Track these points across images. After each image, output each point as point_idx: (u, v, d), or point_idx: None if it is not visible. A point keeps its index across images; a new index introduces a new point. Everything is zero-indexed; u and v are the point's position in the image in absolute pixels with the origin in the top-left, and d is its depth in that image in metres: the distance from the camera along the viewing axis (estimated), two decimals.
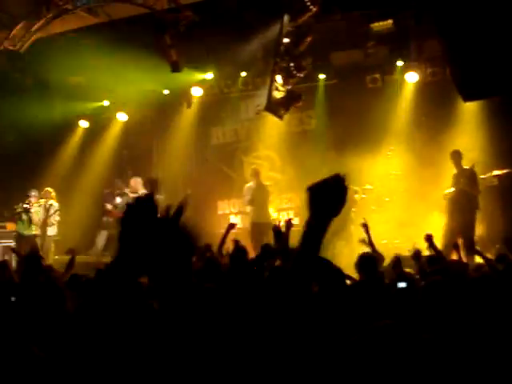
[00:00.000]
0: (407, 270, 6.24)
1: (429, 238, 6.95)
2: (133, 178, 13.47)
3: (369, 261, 5.38)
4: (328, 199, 2.16)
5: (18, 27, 11.55)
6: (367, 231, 7.09)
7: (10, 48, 11.72)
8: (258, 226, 12.23)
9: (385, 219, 11.77)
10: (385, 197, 12.37)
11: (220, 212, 14.84)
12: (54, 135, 14.67)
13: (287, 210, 14.19)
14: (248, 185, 13.02)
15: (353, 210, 11.94)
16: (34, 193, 13.02)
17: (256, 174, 13.03)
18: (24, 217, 12.80)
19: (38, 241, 12.88)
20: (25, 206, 12.78)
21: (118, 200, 13.76)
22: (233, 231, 8.77)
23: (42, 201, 13.11)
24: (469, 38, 6.33)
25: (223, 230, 13.45)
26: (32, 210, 12.82)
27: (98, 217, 14.38)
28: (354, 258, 5.58)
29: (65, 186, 13.93)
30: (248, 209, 13.03)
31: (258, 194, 12.80)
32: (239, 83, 14.20)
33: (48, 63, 12.10)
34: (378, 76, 12.78)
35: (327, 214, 2.17)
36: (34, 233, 12.88)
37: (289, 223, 6.72)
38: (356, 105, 12.79)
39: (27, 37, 11.81)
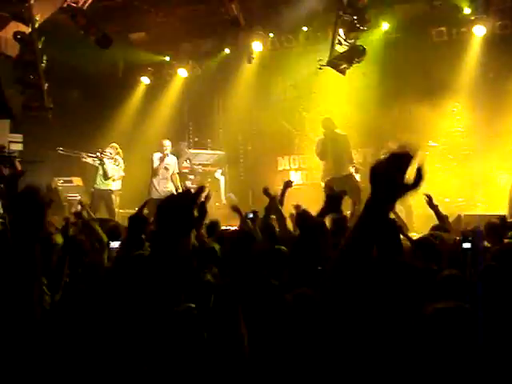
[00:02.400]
0: None
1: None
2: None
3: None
4: (387, 181, 1.85)
5: None
6: (431, 203, 6.63)
7: (73, 5, 11.84)
8: (331, 182, 11.69)
9: (448, 177, 11.56)
10: (449, 154, 12.10)
11: (280, 168, 14.85)
12: (116, 91, 14.89)
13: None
14: (319, 137, 12.26)
15: None
16: (109, 150, 13.13)
17: (326, 126, 12.01)
18: (100, 171, 12.95)
19: (113, 196, 13.12)
20: (97, 155, 12.93)
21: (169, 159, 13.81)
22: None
23: (118, 157, 13.23)
24: None
25: (282, 186, 13.65)
26: (106, 165, 12.98)
27: None
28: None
29: (127, 142, 14.14)
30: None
31: (328, 146, 11.81)
32: (300, 37, 13.96)
33: (111, 19, 12.20)
34: (443, 29, 12.33)
35: (387, 198, 1.89)
36: (108, 188, 12.96)
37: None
38: (420, 59, 12.46)
39: None
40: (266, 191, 6.43)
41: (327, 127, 11.83)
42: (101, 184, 12.82)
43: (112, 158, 13.00)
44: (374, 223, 1.89)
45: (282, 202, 6.70)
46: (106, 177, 12.88)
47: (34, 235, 1.89)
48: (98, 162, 12.96)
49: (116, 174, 13.10)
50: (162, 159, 12.32)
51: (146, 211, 5.08)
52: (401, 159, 1.86)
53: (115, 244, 5.16)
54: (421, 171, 1.95)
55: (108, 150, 13.03)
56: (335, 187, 10.54)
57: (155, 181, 12.29)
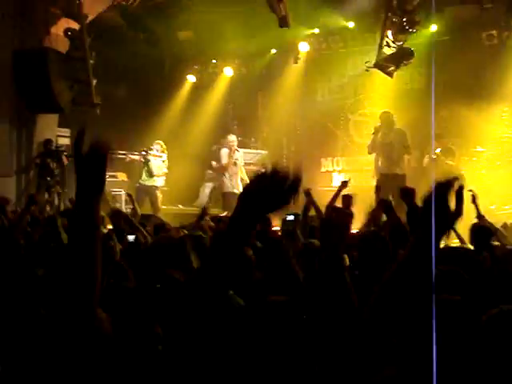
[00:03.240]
0: None
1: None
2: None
3: (482, 232, 5.14)
4: (440, 213, 1.79)
5: None
6: (475, 201, 6.59)
7: (123, 3, 12.00)
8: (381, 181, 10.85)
9: (494, 184, 11.32)
10: (496, 160, 11.84)
11: (323, 170, 14.76)
12: (162, 89, 15.03)
13: None
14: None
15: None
16: (155, 146, 13.28)
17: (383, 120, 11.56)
18: (145, 167, 13.11)
19: (158, 193, 13.22)
20: (143, 153, 13.12)
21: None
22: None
23: (164, 155, 13.38)
24: None
25: (326, 188, 13.58)
26: (151, 162, 13.13)
27: (202, 170, 14.70)
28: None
29: (172, 139, 14.27)
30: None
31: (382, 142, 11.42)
32: (348, 38, 13.87)
33: (159, 18, 12.32)
34: (494, 33, 12.08)
35: (441, 229, 1.85)
36: (153, 184, 13.07)
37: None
38: (469, 62, 12.22)
39: None
40: (307, 192, 6.36)
41: (384, 121, 11.49)
42: (146, 180, 12.95)
43: (158, 156, 13.15)
44: (425, 256, 1.85)
45: (334, 202, 6.63)
46: (151, 174, 13.03)
47: (97, 192, 1.98)
48: (143, 159, 13.10)
49: (160, 171, 13.24)
50: (230, 154, 12.41)
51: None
52: (445, 188, 1.85)
53: (131, 237, 5.29)
54: (461, 197, 1.94)
55: (154, 147, 13.16)
56: (385, 185, 10.47)
57: (227, 175, 12.43)
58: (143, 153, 13.07)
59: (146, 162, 13.01)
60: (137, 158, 13.34)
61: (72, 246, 1.98)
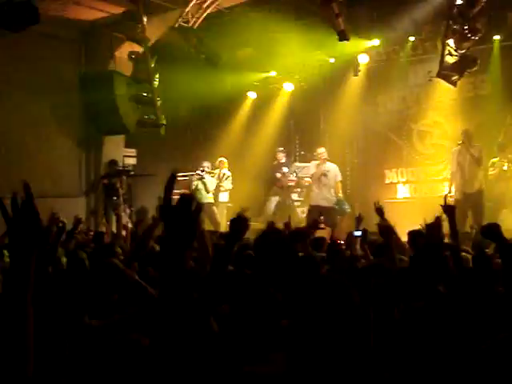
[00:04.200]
0: None
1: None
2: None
3: None
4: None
5: (191, 4, 12.05)
6: None
7: (185, 25, 12.26)
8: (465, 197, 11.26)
9: None
10: None
11: (387, 181, 14.60)
12: (224, 107, 15.22)
13: None
14: (454, 149, 11.87)
15: None
16: (206, 164, 13.65)
17: (465, 136, 11.54)
18: (200, 186, 13.44)
19: (214, 209, 13.53)
20: (198, 173, 13.45)
21: (285, 169, 14.04)
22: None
23: (217, 171, 13.74)
24: None
25: (391, 200, 13.43)
26: (206, 179, 13.45)
27: (266, 185, 14.77)
28: None
29: (236, 156, 14.44)
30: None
31: (463, 158, 11.48)
32: (408, 48, 13.73)
33: (219, 37, 12.52)
34: None
35: None
36: (209, 201, 13.41)
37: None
38: None
39: (200, 13, 12.29)
40: (379, 210, 6.22)
41: (465, 138, 11.49)
42: (203, 198, 13.22)
43: (211, 172, 13.53)
44: None
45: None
46: (207, 191, 13.42)
47: (187, 244, 1.87)
48: (199, 177, 13.45)
49: (223, 187, 13.56)
50: (318, 166, 12.50)
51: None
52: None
53: None
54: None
55: (205, 164, 13.55)
56: (462, 203, 10.52)
57: (315, 187, 12.51)
58: (199, 171, 13.46)
59: (201, 180, 13.35)
60: (195, 179, 13.67)
61: (162, 299, 1.86)
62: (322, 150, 12.63)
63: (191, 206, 1.85)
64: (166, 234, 1.85)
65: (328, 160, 12.59)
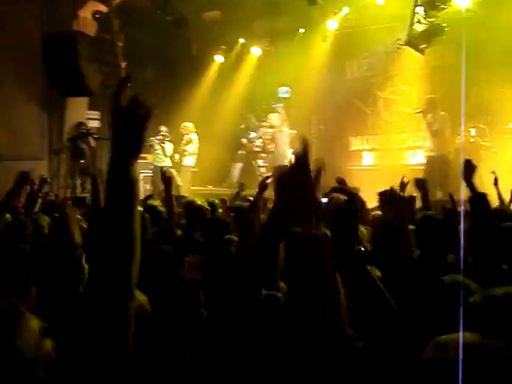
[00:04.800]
0: None
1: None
2: (270, 114, 13.54)
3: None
4: None
5: None
6: (496, 184, 6.42)
7: None
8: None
9: None
10: None
11: (352, 148, 14.64)
12: (190, 70, 15.00)
13: (421, 147, 13.80)
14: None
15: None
16: (163, 128, 13.75)
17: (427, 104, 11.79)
18: (159, 150, 13.63)
19: (173, 171, 13.55)
20: (158, 138, 13.44)
21: (253, 134, 14.00)
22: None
23: (186, 137, 13.83)
24: None
25: (356, 167, 13.50)
26: (164, 143, 13.56)
27: (233, 150, 14.71)
28: None
29: (203, 120, 14.29)
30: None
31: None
32: (377, 16, 13.61)
33: None
34: None
35: None
36: (167, 164, 13.58)
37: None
38: (503, 38, 11.97)
39: None
40: (341, 181, 5.99)
41: (426, 106, 11.68)
42: (161, 161, 13.55)
43: (166, 137, 13.76)
44: None
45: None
46: (165, 154, 13.71)
47: (136, 152, 1.76)
48: (157, 141, 13.59)
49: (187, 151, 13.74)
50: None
51: None
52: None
53: None
54: None
55: (163, 129, 13.72)
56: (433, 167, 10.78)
57: None
58: (159, 137, 13.61)
59: (160, 145, 13.56)
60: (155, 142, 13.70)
61: (108, 214, 1.74)
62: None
63: (139, 110, 1.75)
64: (114, 140, 1.74)
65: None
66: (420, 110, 11.68)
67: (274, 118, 13.18)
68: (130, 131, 1.74)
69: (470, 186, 3.77)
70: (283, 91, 12.95)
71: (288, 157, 12.69)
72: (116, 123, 1.75)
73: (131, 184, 1.72)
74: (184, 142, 13.91)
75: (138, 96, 1.76)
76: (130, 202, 1.72)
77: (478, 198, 3.62)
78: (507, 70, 11.60)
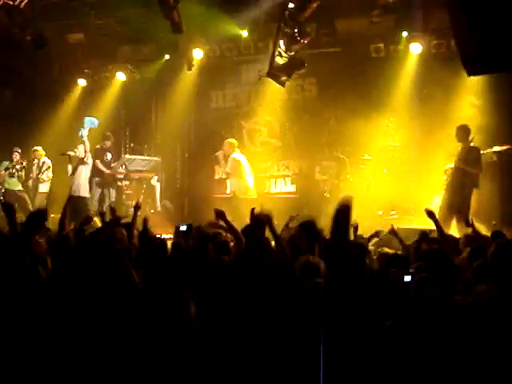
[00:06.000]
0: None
1: (430, 213, 6.43)
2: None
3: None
4: None
5: None
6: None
7: (10, 2, 11.49)
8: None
9: (382, 190, 11.75)
10: (383, 168, 12.30)
11: (217, 177, 14.73)
12: (52, 93, 14.52)
13: (284, 176, 14.17)
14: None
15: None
16: (17, 150, 13.58)
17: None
18: (15, 173, 13.43)
19: (26, 197, 13.51)
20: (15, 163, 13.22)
21: (109, 156, 13.61)
22: None
23: (35, 161, 13.68)
24: (478, 10, 6.20)
25: (221, 195, 13.58)
26: (23, 169, 13.48)
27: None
28: None
29: (61, 144, 13.78)
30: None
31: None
32: (241, 47, 13.92)
33: (49, 20, 11.92)
34: (381, 46, 12.54)
35: None
36: (19, 188, 13.52)
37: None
38: (359, 74, 12.67)
39: None
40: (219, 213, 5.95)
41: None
42: (14, 185, 13.56)
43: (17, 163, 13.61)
44: None
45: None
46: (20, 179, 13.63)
47: None
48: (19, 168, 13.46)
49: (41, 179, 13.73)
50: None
51: None
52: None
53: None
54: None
55: (18, 151, 13.62)
56: None
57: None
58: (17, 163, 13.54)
59: (17, 169, 13.46)
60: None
61: None
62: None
63: None
64: None
65: None
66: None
67: (80, 149, 12.74)
68: None
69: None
70: (90, 122, 12.65)
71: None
72: None
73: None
74: (37, 167, 13.69)
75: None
76: None
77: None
78: (361, 105, 12.25)
